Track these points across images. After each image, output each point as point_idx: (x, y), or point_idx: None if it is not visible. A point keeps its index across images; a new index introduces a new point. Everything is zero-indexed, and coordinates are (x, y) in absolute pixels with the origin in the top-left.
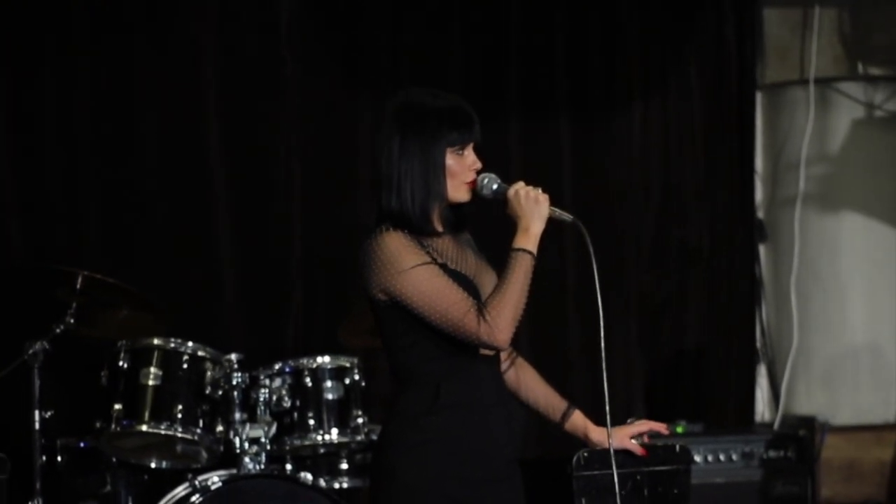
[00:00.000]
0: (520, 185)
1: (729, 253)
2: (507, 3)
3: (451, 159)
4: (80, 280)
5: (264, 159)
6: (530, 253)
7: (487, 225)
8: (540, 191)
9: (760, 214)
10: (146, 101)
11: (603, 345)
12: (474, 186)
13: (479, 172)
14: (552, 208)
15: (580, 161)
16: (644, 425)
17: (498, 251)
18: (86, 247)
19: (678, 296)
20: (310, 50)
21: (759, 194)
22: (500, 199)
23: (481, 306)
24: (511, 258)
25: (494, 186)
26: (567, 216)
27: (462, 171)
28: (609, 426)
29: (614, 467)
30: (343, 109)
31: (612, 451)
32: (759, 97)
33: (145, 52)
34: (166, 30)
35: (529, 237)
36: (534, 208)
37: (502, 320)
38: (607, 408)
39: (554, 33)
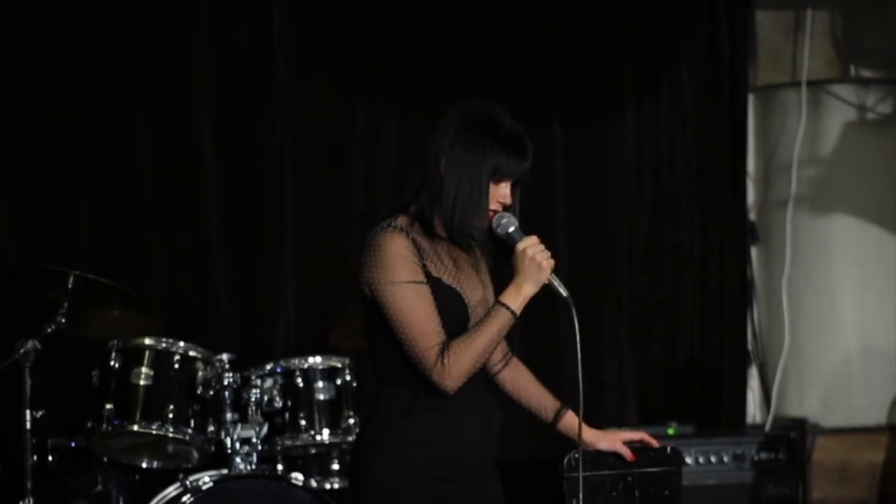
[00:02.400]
0: (530, 243)
1: (721, 255)
2: (499, 6)
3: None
4: (71, 280)
5: (257, 160)
6: (513, 312)
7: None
8: (548, 256)
9: (752, 216)
10: (139, 103)
11: (581, 409)
12: (492, 218)
13: (505, 208)
14: (552, 276)
15: (573, 165)
16: (637, 434)
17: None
18: (77, 246)
19: (670, 298)
20: (303, 51)
21: (750, 196)
22: (510, 245)
23: (445, 346)
24: (493, 309)
25: (510, 229)
26: (563, 291)
27: (490, 199)
28: (581, 440)
29: (580, 471)
30: (336, 111)
31: (580, 455)
32: (751, 99)
33: (138, 54)
34: (159, 31)
35: (518, 297)
36: (533, 273)
37: (457, 369)
38: (580, 438)
39: (547, 37)
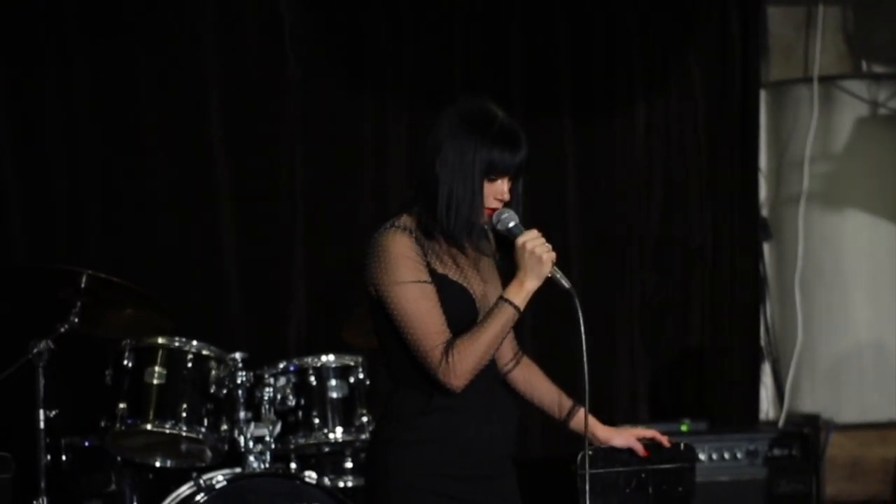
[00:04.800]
0: (530, 237)
1: (732, 251)
2: (508, 3)
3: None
4: (84, 279)
5: (268, 159)
6: (516, 307)
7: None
8: (548, 249)
9: (764, 212)
10: (149, 102)
11: (587, 401)
12: (492, 214)
13: (506, 204)
14: (554, 269)
15: (583, 161)
16: (649, 432)
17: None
18: (89, 246)
19: (682, 294)
20: (312, 50)
21: (762, 192)
22: (511, 240)
23: (450, 344)
24: (496, 306)
25: (510, 224)
26: (565, 283)
27: (487, 197)
28: (587, 433)
29: (587, 467)
30: (346, 110)
31: (586, 451)
32: (762, 95)
33: (147, 53)
34: (168, 30)
35: (521, 292)
36: (534, 266)
37: (461, 366)
38: (586, 431)
39: (556, 32)
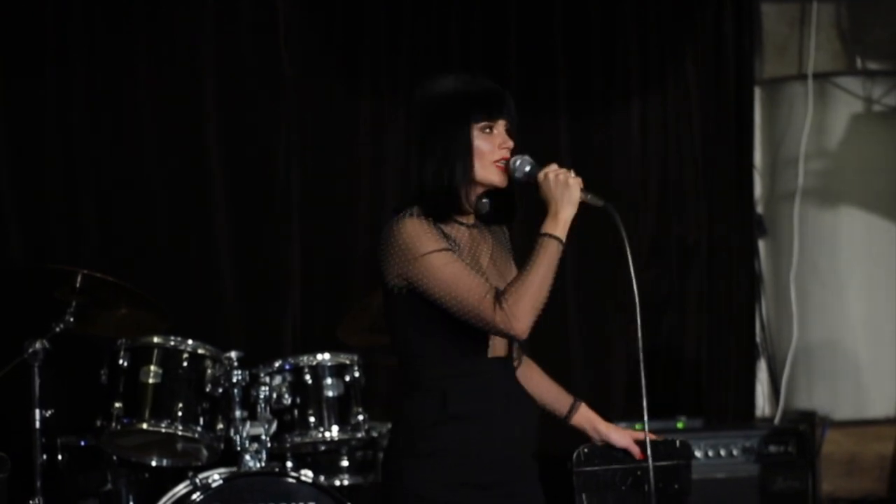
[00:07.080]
0: (551, 168)
1: (728, 248)
2: (505, 0)
3: (478, 139)
4: (79, 279)
5: (263, 158)
6: (558, 239)
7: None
8: (572, 174)
9: (759, 209)
10: (144, 102)
11: (640, 334)
12: (505, 168)
13: (513, 153)
14: (584, 192)
15: (579, 158)
16: (642, 434)
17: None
18: (85, 246)
19: (678, 292)
20: (308, 49)
21: (757, 189)
22: (532, 183)
23: (499, 293)
24: (537, 244)
25: (527, 168)
26: (599, 201)
27: (491, 150)
28: (646, 426)
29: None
30: (342, 109)
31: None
32: (757, 92)
33: (143, 53)
34: (164, 31)
35: (558, 222)
36: (563, 192)
37: (519, 308)
38: (644, 401)
39: (552, 30)
